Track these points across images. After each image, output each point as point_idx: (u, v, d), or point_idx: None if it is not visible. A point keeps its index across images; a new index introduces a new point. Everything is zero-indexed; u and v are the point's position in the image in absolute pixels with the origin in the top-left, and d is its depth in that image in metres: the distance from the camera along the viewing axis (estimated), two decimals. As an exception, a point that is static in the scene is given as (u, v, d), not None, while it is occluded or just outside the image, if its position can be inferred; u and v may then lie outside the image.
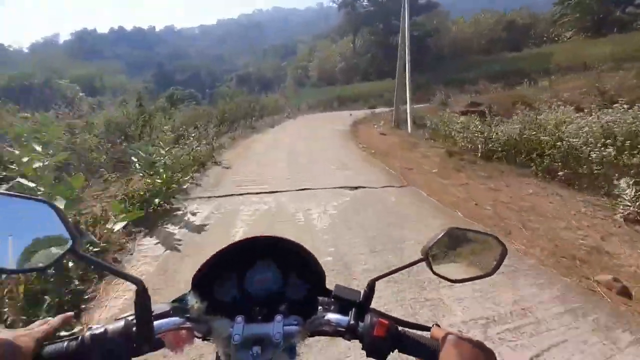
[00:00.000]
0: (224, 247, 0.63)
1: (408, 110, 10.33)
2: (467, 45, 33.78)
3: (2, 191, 0.50)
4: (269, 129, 13.40)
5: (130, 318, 0.49)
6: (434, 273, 0.56)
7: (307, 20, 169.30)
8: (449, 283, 0.58)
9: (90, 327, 0.48)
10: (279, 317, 0.55)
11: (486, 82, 21.66)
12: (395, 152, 7.33)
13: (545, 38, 33.31)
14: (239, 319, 0.54)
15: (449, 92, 18.82)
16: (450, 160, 6.32)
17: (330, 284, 0.64)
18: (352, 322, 0.54)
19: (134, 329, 0.48)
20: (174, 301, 0.58)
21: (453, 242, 0.60)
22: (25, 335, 0.43)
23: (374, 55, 32.58)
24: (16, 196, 0.48)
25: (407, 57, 10.68)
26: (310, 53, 44.20)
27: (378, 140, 9.26)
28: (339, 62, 35.95)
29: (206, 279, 0.62)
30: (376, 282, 0.57)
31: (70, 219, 0.53)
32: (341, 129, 11.99)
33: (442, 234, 0.56)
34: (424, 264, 0.56)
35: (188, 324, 0.53)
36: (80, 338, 0.46)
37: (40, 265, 0.47)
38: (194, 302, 0.56)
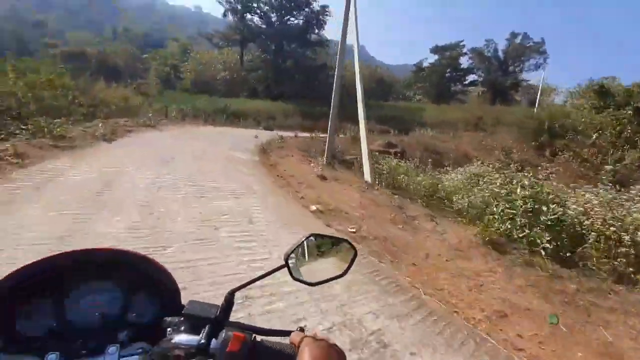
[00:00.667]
0: (29, 263, 0.48)
1: (365, 152, 8.02)
2: (348, 87, 36.83)
3: None
4: (99, 144, 7.25)
5: None
6: (293, 278, 0.57)
7: (177, 16, 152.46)
8: None
9: None
10: (112, 349, 0.47)
11: (375, 123, 23.49)
12: (395, 237, 4.21)
13: (401, 96, 40.23)
14: (52, 356, 0.43)
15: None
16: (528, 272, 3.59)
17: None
18: (202, 341, 0.49)
19: None
20: None
21: (311, 248, 0.62)
22: None
23: (265, 74, 30.27)
24: None
25: (359, 85, 8.69)
26: (184, 53, 37.69)
27: (328, 195, 5.85)
28: (221, 71, 31.65)
29: (3, 310, 0.47)
30: (235, 294, 0.53)
31: None
32: (250, 160, 8.44)
33: (302, 240, 0.58)
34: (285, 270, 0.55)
35: None
36: None
37: None
38: None
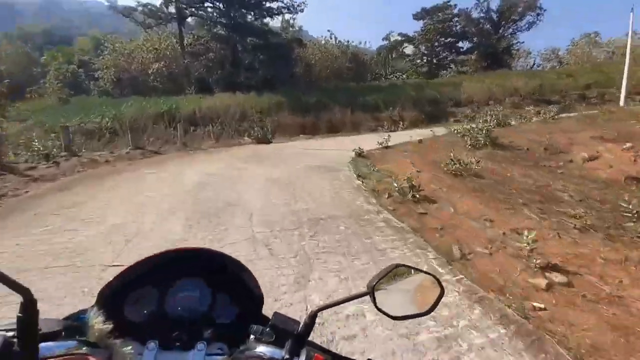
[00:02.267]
0: (142, 259, 0.55)
1: None
2: (319, 68, 29.67)
3: None
4: None
5: (10, 334, 0.39)
6: (377, 308, 0.56)
7: (90, 13, 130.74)
8: None
9: None
10: (200, 345, 0.50)
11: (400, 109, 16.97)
12: None
13: (379, 74, 33.98)
14: (152, 344, 0.48)
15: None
16: None
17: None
18: (286, 356, 0.50)
19: (14, 348, 0.38)
20: (67, 318, 0.49)
21: (397, 279, 0.61)
22: None
23: (218, 58, 21.73)
24: None
25: None
26: (98, 47, 27.44)
27: None
28: (153, 61, 22.41)
29: (118, 295, 0.54)
30: (317, 314, 0.53)
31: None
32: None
33: (388, 270, 0.56)
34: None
35: (83, 349, 0.44)
36: None
37: None
38: (94, 321, 0.47)
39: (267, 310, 0.59)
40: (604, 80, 19.58)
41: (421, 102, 18.39)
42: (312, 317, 0.53)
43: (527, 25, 31.65)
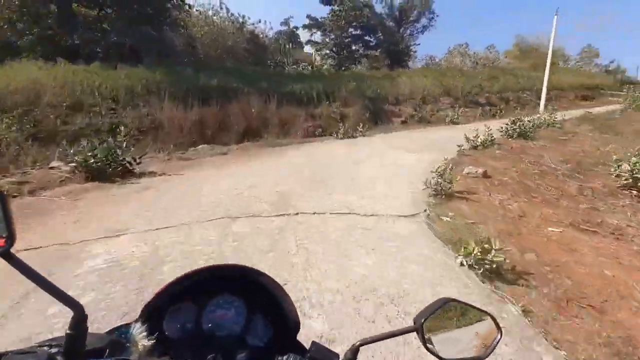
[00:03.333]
0: (183, 274, 0.54)
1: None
2: (207, 43, 22.20)
3: None
4: None
5: (54, 350, 0.38)
6: (426, 347, 0.52)
7: None
8: None
9: (5, 354, 0.37)
10: None
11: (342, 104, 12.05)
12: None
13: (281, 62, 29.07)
14: None
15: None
16: None
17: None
18: None
19: None
20: (111, 332, 0.47)
21: (449, 315, 0.58)
22: None
23: (33, 9, 12.07)
24: None
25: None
26: None
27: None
28: None
29: (159, 311, 0.52)
30: (360, 348, 0.49)
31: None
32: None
33: (438, 304, 0.52)
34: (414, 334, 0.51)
35: None
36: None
37: None
38: (137, 337, 0.46)
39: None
40: (512, 84, 20.04)
41: (361, 98, 14.22)
42: (354, 351, 0.49)
43: (422, 29, 32.14)
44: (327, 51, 28.29)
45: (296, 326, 0.56)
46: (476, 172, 5.72)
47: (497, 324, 0.55)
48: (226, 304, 0.56)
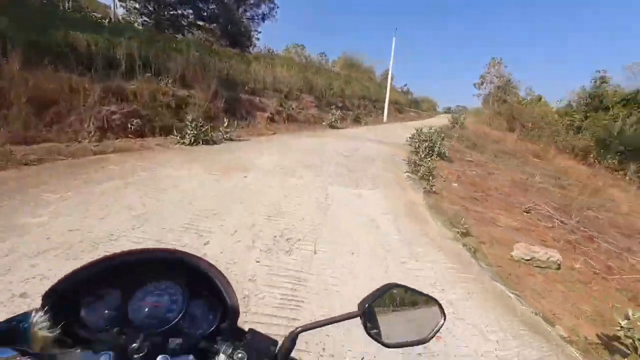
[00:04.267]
0: (100, 257, 0.49)
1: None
2: None
3: None
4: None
5: None
6: (368, 333, 0.51)
7: None
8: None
9: None
10: (161, 358, 0.42)
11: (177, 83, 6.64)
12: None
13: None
14: (105, 356, 0.40)
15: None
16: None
17: None
18: None
19: None
20: (5, 321, 0.41)
21: (392, 299, 0.54)
22: None
23: None
24: None
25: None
26: None
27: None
28: None
29: (72, 296, 0.47)
30: (299, 335, 0.48)
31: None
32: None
33: (382, 290, 0.52)
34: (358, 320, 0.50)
35: (21, 359, 0.37)
36: None
37: None
38: (39, 325, 0.41)
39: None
40: (358, 91, 20.15)
41: (209, 78, 9.22)
42: (293, 339, 0.48)
43: (262, 16, 28.94)
44: (138, 5, 20.01)
45: (236, 312, 0.52)
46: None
47: (441, 309, 0.55)
48: (159, 290, 0.51)
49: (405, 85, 45.77)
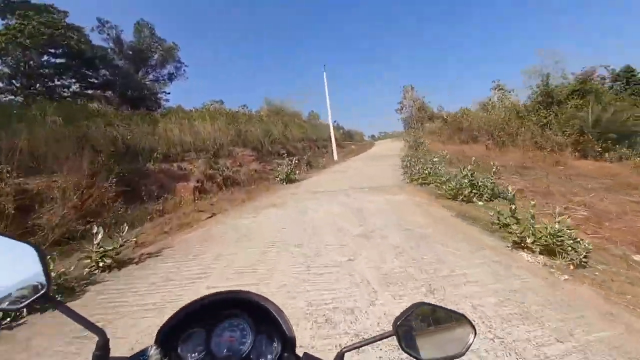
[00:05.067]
0: (192, 301, 0.61)
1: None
2: None
3: None
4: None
5: None
6: (404, 350, 0.55)
7: None
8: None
9: None
10: None
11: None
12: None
13: None
14: None
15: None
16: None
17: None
18: None
19: None
20: (132, 357, 0.52)
21: (424, 318, 0.59)
22: None
23: None
24: (5, 236, 0.47)
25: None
26: None
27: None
28: None
29: (172, 334, 0.59)
30: (345, 354, 0.55)
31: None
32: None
33: (412, 308, 0.56)
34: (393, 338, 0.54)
35: None
36: None
37: (12, 306, 0.46)
38: (155, 358, 0.51)
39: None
40: (297, 134, 18.08)
41: (91, 150, 5.85)
42: (340, 357, 0.54)
43: (168, 76, 26.12)
44: (1, 83, 15.56)
45: (294, 342, 0.60)
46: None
47: (470, 323, 0.57)
48: (232, 326, 0.60)
49: (334, 121, 46.47)
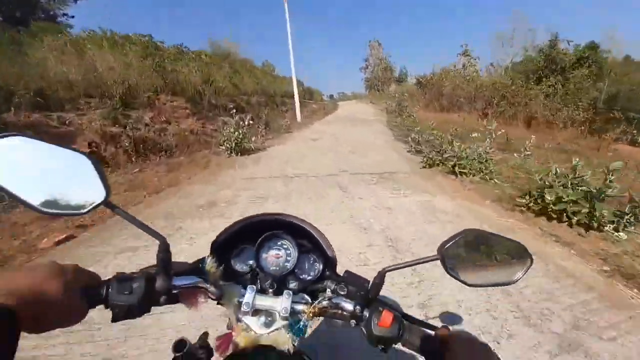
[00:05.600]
0: (243, 218, 0.67)
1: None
2: None
3: (46, 142, 0.48)
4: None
5: (152, 270, 0.50)
6: (449, 273, 0.53)
7: None
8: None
9: (119, 273, 0.49)
10: (287, 293, 0.57)
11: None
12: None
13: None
14: (251, 289, 0.56)
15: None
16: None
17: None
18: (357, 308, 0.55)
19: (155, 281, 0.48)
20: (192, 263, 0.58)
21: (473, 244, 0.55)
22: (72, 268, 0.44)
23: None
24: (60, 146, 0.48)
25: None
26: None
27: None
28: None
29: (225, 247, 0.65)
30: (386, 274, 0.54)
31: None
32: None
33: (461, 234, 0.53)
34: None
35: (204, 285, 0.53)
36: (109, 281, 0.47)
37: (75, 211, 0.48)
38: (211, 266, 0.56)
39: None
40: (251, 85, 14.45)
41: None
42: (381, 277, 0.54)
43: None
44: None
45: (335, 262, 0.65)
46: None
47: (526, 251, 0.55)
48: (277, 245, 0.66)
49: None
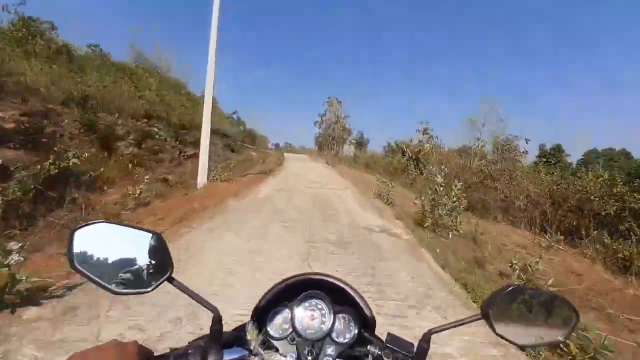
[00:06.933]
0: (280, 280, 0.66)
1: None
2: None
3: (116, 223, 0.52)
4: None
5: (202, 343, 0.51)
6: (496, 333, 0.51)
7: None
8: None
9: (172, 349, 0.49)
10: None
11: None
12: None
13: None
14: (291, 357, 0.56)
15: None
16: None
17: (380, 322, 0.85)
18: None
19: (208, 355, 0.49)
20: (235, 329, 0.60)
21: (516, 301, 0.52)
22: (133, 345, 0.45)
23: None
24: (134, 227, 0.51)
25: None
26: None
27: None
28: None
29: (264, 312, 0.64)
30: (432, 335, 0.52)
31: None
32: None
33: (504, 291, 0.51)
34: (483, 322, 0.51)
35: (250, 357, 0.53)
36: (166, 357, 0.48)
37: (142, 289, 0.49)
38: (252, 334, 0.56)
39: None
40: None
41: None
42: (427, 340, 0.52)
43: None
44: None
45: (373, 322, 0.62)
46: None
47: (572, 307, 0.53)
48: (312, 306, 0.63)
49: (234, 112, 34.66)
